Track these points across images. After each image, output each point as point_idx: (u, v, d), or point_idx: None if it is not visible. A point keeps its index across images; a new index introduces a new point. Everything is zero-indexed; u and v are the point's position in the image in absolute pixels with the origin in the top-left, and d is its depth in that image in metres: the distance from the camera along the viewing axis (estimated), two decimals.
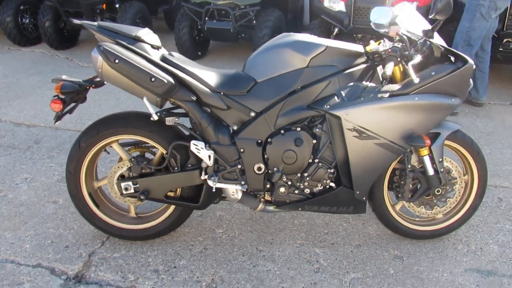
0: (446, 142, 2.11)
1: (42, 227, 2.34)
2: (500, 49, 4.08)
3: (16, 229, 2.32)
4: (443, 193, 2.15)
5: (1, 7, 5.28)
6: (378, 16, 2.13)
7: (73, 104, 2.05)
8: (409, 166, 2.07)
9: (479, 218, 2.49)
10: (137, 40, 1.88)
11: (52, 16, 5.13)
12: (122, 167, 2.07)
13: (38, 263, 2.09)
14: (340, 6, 3.97)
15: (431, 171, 2.06)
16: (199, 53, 5.18)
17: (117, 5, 5.10)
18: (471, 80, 1.98)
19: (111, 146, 2.10)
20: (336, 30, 4.20)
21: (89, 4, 4.91)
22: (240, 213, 2.48)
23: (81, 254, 2.15)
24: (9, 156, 3.06)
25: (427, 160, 2.05)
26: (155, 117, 1.88)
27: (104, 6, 5.06)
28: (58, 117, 1.98)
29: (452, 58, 1.96)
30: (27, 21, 5.51)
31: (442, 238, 2.31)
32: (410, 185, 2.12)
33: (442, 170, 2.08)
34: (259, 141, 1.96)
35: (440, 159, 2.06)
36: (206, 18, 4.81)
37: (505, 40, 4.04)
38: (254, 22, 4.76)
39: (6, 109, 3.84)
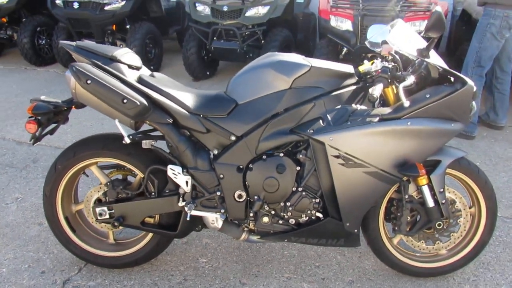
0: (449, 170, 1.92)
1: (22, 250, 2.26)
2: None
3: None
4: (445, 227, 1.95)
5: (19, 29, 5.45)
6: (374, 34, 2.00)
7: (53, 125, 1.99)
8: (406, 197, 1.89)
9: (491, 254, 2.26)
10: (113, 60, 1.81)
11: (65, 37, 5.23)
12: (98, 191, 1.98)
13: None
14: (347, 25, 3.84)
15: (431, 203, 1.87)
16: (208, 73, 5.15)
17: (127, 26, 5.16)
18: (474, 103, 1.80)
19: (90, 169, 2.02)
20: (345, 49, 4.07)
21: (99, 26, 4.99)
22: (228, 241, 2.34)
23: (56, 281, 2.05)
24: (5, 175, 3.04)
25: (426, 190, 1.87)
26: (127, 140, 1.78)
27: (114, 27, 5.13)
28: (36, 138, 1.92)
29: (452, 79, 1.79)
30: (43, 42, 5.65)
31: (446, 277, 2.09)
32: (408, 217, 1.93)
33: (443, 201, 1.88)
34: (240, 166, 1.83)
35: (441, 190, 1.87)
36: (215, 38, 4.79)
37: None
38: (262, 41, 4.70)
39: (11, 127, 3.87)
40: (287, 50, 4.51)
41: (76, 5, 4.99)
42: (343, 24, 3.87)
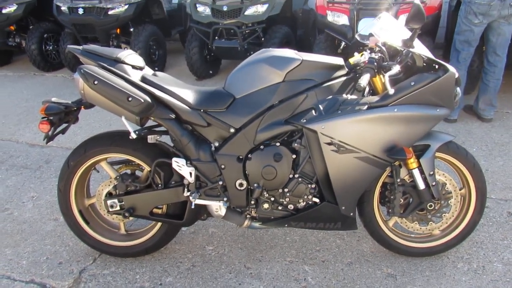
0: (439, 154, 2.02)
1: (40, 244, 2.41)
2: None
3: (16, 246, 2.40)
4: (437, 208, 2.06)
5: (27, 36, 5.62)
6: (363, 27, 2.11)
7: (65, 125, 2.13)
8: (398, 180, 2.00)
9: (485, 234, 2.36)
10: (118, 61, 1.94)
11: (71, 42, 5.39)
12: (109, 185, 2.12)
13: (31, 279, 2.15)
14: (343, 20, 3.94)
15: (421, 185, 1.98)
16: (211, 72, 5.27)
17: (131, 29, 5.31)
18: (458, 89, 1.90)
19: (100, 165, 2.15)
20: (343, 44, 4.16)
21: (104, 30, 5.14)
22: (232, 230, 2.46)
23: (73, 271, 2.19)
24: (20, 175, 3.20)
25: (416, 173, 1.97)
26: (133, 136, 1.91)
27: (118, 30, 5.27)
28: (49, 138, 2.05)
29: (436, 67, 1.89)
30: (50, 48, 5.82)
31: (441, 256, 2.20)
32: (401, 200, 2.04)
33: (434, 183, 1.99)
34: (240, 157, 1.95)
35: (431, 172, 1.97)
36: (216, 38, 4.91)
37: None
38: (263, 39, 4.81)
39: (24, 131, 4.03)
40: (288, 47, 4.60)
41: (81, 11, 5.14)
42: (339, 18, 3.96)
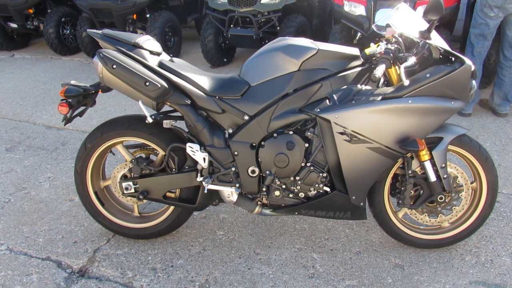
0: (451, 147, 2.02)
1: (56, 223, 2.48)
2: None
3: (33, 224, 2.48)
4: (447, 200, 2.07)
5: (45, 20, 5.69)
6: (380, 18, 2.10)
7: (82, 108, 2.17)
8: (410, 172, 2.01)
9: (494, 228, 2.36)
10: (136, 46, 1.97)
11: (88, 27, 5.44)
12: (124, 168, 2.17)
13: (48, 256, 2.22)
14: (360, 10, 3.91)
15: (432, 177, 1.99)
16: (225, 60, 5.28)
17: (147, 15, 5.33)
18: (474, 82, 1.89)
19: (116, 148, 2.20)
20: (358, 34, 4.13)
21: (121, 15, 5.17)
22: (243, 216, 2.50)
23: (87, 250, 2.26)
24: (37, 156, 3.28)
25: (428, 165, 1.98)
26: (149, 120, 1.95)
27: (134, 16, 5.30)
28: (67, 120, 2.10)
29: (453, 59, 1.88)
30: (68, 32, 5.88)
31: (449, 248, 2.21)
32: (412, 192, 2.06)
33: (445, 176, 1.99)
34: (253, 144, 1.98)
35: (443, 165, 1.97)
36: (231, 26, 4.91)
37: None
38: (278, 28, 4.80)
39: (41, 113, 4.11)
40: (303, 36, 4.59)
41: None
42: (356, 9, 3.93)
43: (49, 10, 5.82)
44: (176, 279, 2.06)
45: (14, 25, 5.92)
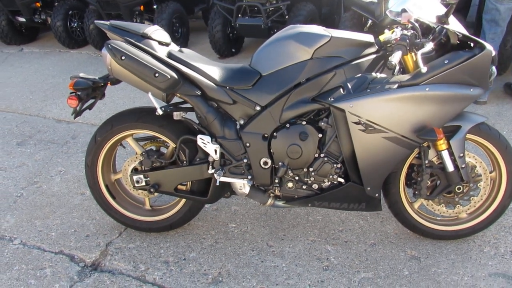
0: (470, 136, 1.96)
1: (68, 217, 2.48)
2: None
3: (46, 218, 2.48)
4: (465, 190, 2.01)
5: (52, 13, 5.67)
6: (395, 3, 2.03)
7: (92, 101, 2.15)
8: (426, 162, 1.95)
9: None
10: (144, 37, 1.93)
11: (96, 19, 5.40)
12: (135, 161, 2.15)
13: (60, 250, 2.22)
14: None
15: (450, 167, 1.93)
16: (233, 50, 5.22)
17: (154, 6, 5.28)
18: (494, 68, 1.82)
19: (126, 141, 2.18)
20: (369, 22, 4.05)
21: (128, 7, 5.13)
22: (255, 208, 2.48)
23: (100, 244, 2.25)
24: (48, 150, 3.28)
25: (445, 155, 1.92)
26: (159, 112, 1.92)
27: (141, 7, 5.26)
28: (77, 113, 2.08)
29: (472, 45, 1.82)
30: (75, 25, 5.86)
31: (467, 239, 2.16)
32: (428, 182, 2.00)
33: (463, 166, 1.94)
34: (265, 135, 1.94)
35: (461, 154, 1.92)
36: (239, 15, 4.84)
37: None
38: (287, 17, 4.72)
39: (51, 107, 4.11)
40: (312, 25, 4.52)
41: None
42: None
43: (56, 3, 5.79)
44: (188, 272, 2.04)
45: (22, 19, 5.91)
